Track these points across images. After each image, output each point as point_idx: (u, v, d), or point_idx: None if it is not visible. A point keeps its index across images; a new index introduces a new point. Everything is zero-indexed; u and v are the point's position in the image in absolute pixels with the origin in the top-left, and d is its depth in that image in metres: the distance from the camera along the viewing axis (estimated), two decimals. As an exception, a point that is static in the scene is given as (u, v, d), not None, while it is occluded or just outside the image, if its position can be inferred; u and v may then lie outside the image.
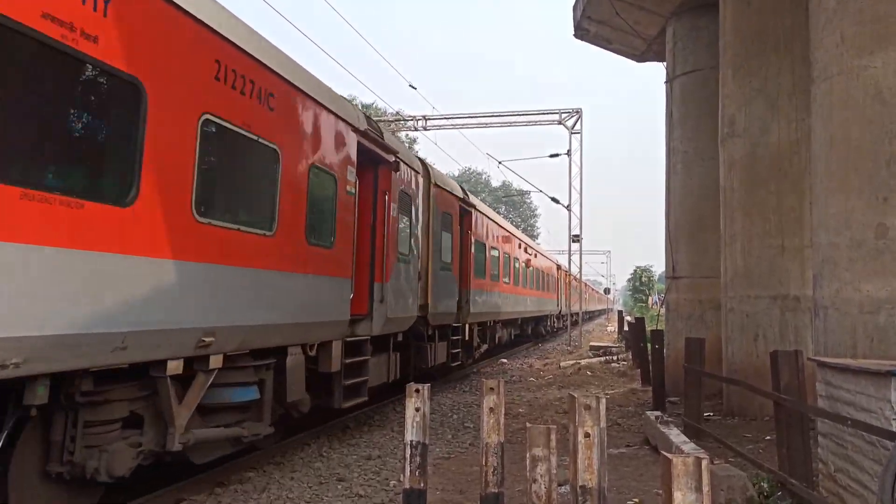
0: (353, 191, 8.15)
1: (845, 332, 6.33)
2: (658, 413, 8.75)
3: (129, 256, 4.62)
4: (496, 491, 4.31)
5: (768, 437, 8.12)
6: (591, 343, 27.19)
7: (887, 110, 6.16)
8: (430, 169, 11.98)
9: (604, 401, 3.66)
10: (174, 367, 5.11)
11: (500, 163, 30.56)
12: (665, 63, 14.41)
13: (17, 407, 4.29)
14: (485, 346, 17.25)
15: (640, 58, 16.54)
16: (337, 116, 7.76)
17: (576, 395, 3.69)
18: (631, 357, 18.73)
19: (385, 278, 9.03)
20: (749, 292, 10.01)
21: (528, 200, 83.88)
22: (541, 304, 25.42)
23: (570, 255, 29.27)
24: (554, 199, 28.80)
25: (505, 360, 20.73)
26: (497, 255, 17.85)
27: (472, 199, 15.43)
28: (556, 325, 32.29)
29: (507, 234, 19.62)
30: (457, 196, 13.59)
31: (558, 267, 31.95)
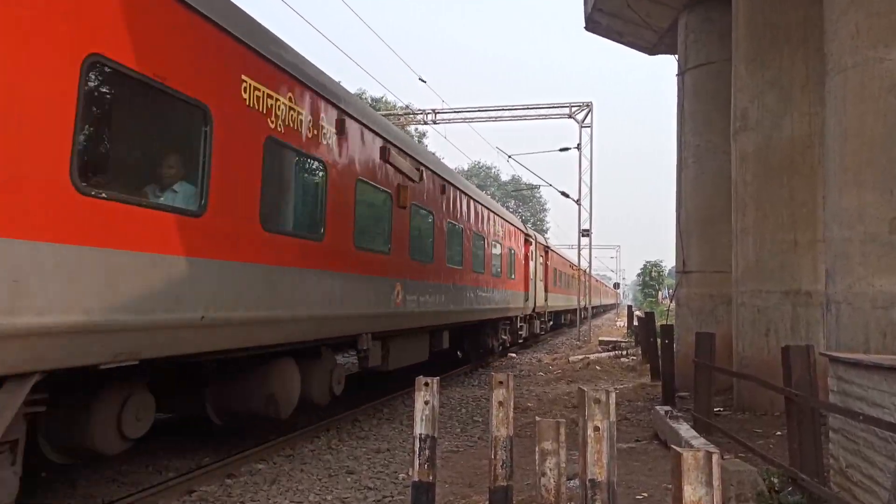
0: (522, 255, 19.70)
1: (858, 328, 6.28)
2: (668, 408, 8.72)
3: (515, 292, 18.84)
4: (505, 484, 4.31)
5: (779, 433, 8.08)
6: (601, 338, 27.11)
7: (902, 103, 6.09)
8: (535, 235, 23.37)
9: (613, 395, 3.64)
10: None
11: (509, 157, 30.37)
12: (677, 56, 14.30)
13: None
14: (551, 322, 28.85)
15: (652, 51, 16.42)
16: (517, 228, 19.49)
17: (585, 390, 3.68)
18: (640, 352, 18.68)
19: (528, 289, 20.54)
20: (760, 287, 9.94)
21: (538, 195, 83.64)
22: (574, 300, 34.65)
23: (579, 250, 29.18)
24: (564, 194, 28.69)
25: (514, 355, 20.73)
26: (557, 271, 28.71)
27: (550, 244, 27.34)
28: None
29: (561, 258, 31.20)
30: (542, 244, 24.67)
31: (584, 271, 32.79)
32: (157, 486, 5.83)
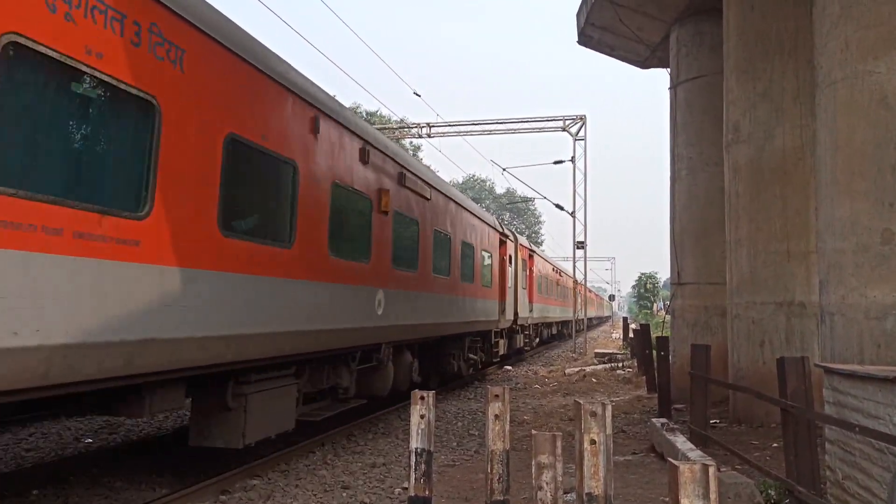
0: (571, 288, 34.45)
1: (852, 338, 6.29)
2: (664, 420, 8.70)
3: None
4: (501, 498, 4.28)
5: (775, 444, 8.07)
6: (596, 350, 27.10)
7: (892, 115, 6.15)
8: (576, 277, 30.86)
9: (609, 407, 3.63)
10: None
11: (504, 169, 30.64)
12: (669, 69, 14.42)
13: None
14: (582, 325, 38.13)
15: (644, 64, 16.56)
16: (570, 276, 33.77)
17: (581, 402, 3.67)
18: (636, 364, 18.66)
19: (574, 306, 32.11)
20: (755, 298, 9.97)
21: (533, 207, 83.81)
22: (589, 311, 45.68)
23: (574, 262, 29.25)
24: (558, 206, 28.78)
25: (510, 368, 20.68)
26: (580, 294, 37.44)
27: (581, 280, 33.39)
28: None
29: (583, 286, 38.20)
30: (580, 283, 31.61)
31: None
32: (149, 502, 5.77)
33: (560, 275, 32.68)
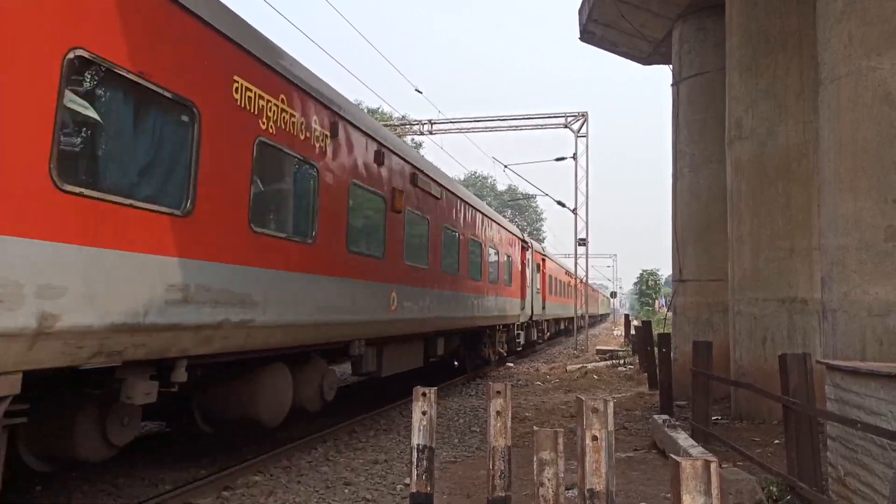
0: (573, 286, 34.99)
1: (854, 335, 6.29)
2: (666, 417, 8.70)
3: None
4: (503, 495, 4.29)
5: (777, 441, 8.06)
6: (598, 347, 27.11)
7: (895, 112, 6.13)
8: (581, 277, 31.26)
9: (611, 404, 3.64)
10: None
11: (505, 167, 30.55)
12: (671, 66, 14.39)
13: None
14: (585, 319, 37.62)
15: (646, 60, 16.52)
16: (579, 279, 32.54)
17: (583, 399, 3.67)
18: (638, 361, 18.66)
19: (581, 307, 32.15)
20: (757, 295, 9.95)
21: (535, 204, 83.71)
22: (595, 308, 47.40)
23: (576, 259, 29.23)
24: (560, 203, 28.77)
25: (511, 364, 20.69)
26: (581, 292, 36.00)
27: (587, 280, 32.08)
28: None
29: (592, 288, 39.34)
30: (584, 282, 32.16)
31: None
32: (152, 498, 5.78)
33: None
